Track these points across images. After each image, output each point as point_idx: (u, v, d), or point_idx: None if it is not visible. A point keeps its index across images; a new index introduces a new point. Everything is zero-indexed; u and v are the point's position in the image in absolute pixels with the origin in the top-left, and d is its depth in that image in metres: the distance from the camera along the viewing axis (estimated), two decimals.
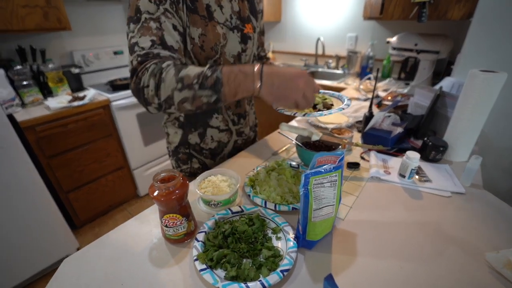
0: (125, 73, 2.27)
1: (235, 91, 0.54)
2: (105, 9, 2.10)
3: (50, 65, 1.72)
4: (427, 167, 0.79)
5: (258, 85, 0.53)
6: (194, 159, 0.89)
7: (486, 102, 0.74)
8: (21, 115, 1.49)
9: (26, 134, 1.45)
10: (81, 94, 1.72)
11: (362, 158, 0.87)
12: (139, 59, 0.57)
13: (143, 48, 0.58)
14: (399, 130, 0.88)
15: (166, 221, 0.52)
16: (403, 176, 0.74)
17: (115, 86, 1.90)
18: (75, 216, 1.79)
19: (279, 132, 0.83)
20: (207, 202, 0.64)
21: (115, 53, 2.18)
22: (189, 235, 0.56)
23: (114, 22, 2.18)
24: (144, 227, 0.61)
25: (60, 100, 1.64)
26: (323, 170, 0.46)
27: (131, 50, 0.59)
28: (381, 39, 1.98)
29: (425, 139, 0.83)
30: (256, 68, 0.53)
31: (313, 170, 0.46)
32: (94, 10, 2.03)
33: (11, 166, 1.26)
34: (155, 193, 0.50)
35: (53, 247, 1.51)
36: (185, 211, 0.54)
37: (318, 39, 2.27)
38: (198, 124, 0.83)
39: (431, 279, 0.46)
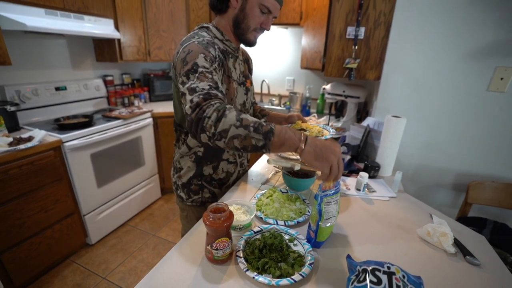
0: (69, 110, 2.12)
1: (282, 143, 0.64)
2: (46, 43, 1.98)
3: None
4: (370, 182, 1.13)
5: (303, 144, 0.64)
6: (205, 189, 1.03)
7: (397, 136, 1.15)
8: None
9: None
10: (25, 135, 1.55)
11: None
12: (201, 96, 0.67)
13: (203, 89, 0.68)
14: (348, 157, 1.22)
15: (217, 245, 0.65)
16: (359, 190, 1.05)
17: (63, 126, 1.78)
18: (8, 282, 1.50)
19: (268, 163, 1.05)
20: (234, 227, 0.78)
21: (57, 88, 2.03)
22: (231, 254, 0.70)
23: (56, 56, 2.06)
24: (184, 261, 0.71)
25: None
26: (331, 193, 0.69)
27: (192, 91, 0.68)
28: (314, 83, 2.52)
29: (366, 162, 1.18)
30: (303, 135, 0.66)
31: (325, 193, 0.69)
32: (32, 44, 1.89)
33: None
34: (211, 222, 0.63)
35: None
36: (230, 234, 0.68)
37: (263, 80, 2.68)
38: (214, 159, 0.99)
39: (393, 251, 0.74)
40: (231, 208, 0.85)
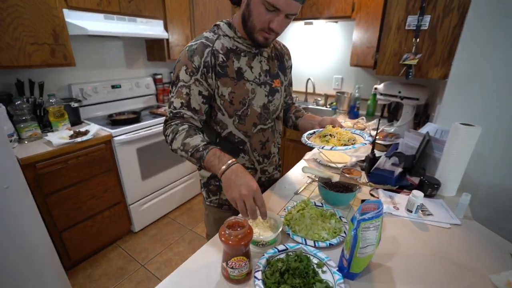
0: (122, 106, 2.31)
1: (209, 169, 0.73)
2: (105, 45, 2.17)
3: (52, 100, 1.71)
4: (426, 202, 0.94)
5: (222, 173, 0.68)
6: (223, 191, 0.97)
7: (467, 148, 0.93)
8: (19, 151, 1.45)
9: (24, 171, 1.41)
10: (83, 129, 1.72)
11: (372, 195, 1.00)
12: (171, 114, 0.82)
13: (175, 108, 0.81)
14: (399, 169, 1.04)
15: (233, 263, 0.59)
16: (410, 211, 0.87)
17: (114, 121, 1.93)
18: (66, 257, 1.69)
19: (303, 171, 0.95)
20: (256, 243, 0.71)
21: (113, 86, 2.22)
22: (249, 274, 0.63)
23: (113, 57, 2.25)
24: (200, 274, 0.66)
25: (61, 135, 1.63)
26: (370, 217, 0.57)
27: (169, 105, 0.83)
28: (365, 82, 2.28)
29: (422, 178, 0.99)
30: (230, 161, 0.69)
31: (362, 217, 0.57)
32: (94, 46, 2.09)
33: (14, 206, 1.21)
34: (227, 239, 0.57)
35: None
36: (248, 253, 0.61)
37: (309, 79, 2.53)
38: None
39: None
40: (256, 220, 0.77)
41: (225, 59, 0.82)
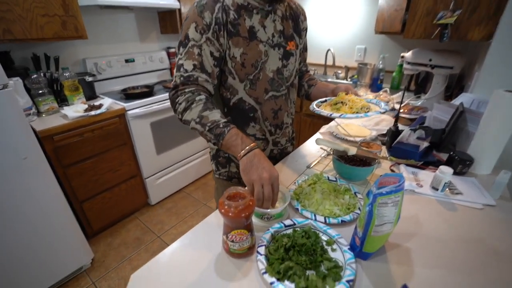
0: (136, 81, 2.29)
1: (228, 147, 0.67)
2: (118, 17, 2.11)
3: (66, 74, 1.72)
4: (455, 180, 0.84)
5: (243, 154, 0.63)
6: (232, 164, 0.94)
7: (511, 120, 0.80)
8: (38, 124, 1.48)
9: (43, 143, 1.45)
10: (97, 103, 1.73)
11: (392, 171, 0.91)
12: (181, 79, 0.73)
13: (186, 71, 0.72)
14: (425, 144, 0.93)
15: (233, 237, 0.55)
16: (436, 189, 0.78)
17: (128, 95, 1.92)
18: (88, 226, 1.78)
19: (316, 143, 0.88)
20: (260, 216, 0.67)
21: (127, 61, 2.19)
22: (251, 249, 0.59)
23: (126, 30, 2.20)
24: (202, 245, 0.63)
25: (76, 109, 1.65)
26: (389, 191, 0.50)
27: (178, 69, 0.74)
28: (391, 51, 2.07)
29: (452, 153, 0.88)
30: (252, 145, 0.65)
31: (379, 191, 0.50)
32: (107, 19, 2.05)
33: (33, 176, 1.26)
34: (226, 210, 0.53)
35: (69, 258, 1.50)
36: (250, 226, 0.57)
37: (328, 50, 2.35)
38: None
39: None
40: None
41: (236, 16, 0.74)
